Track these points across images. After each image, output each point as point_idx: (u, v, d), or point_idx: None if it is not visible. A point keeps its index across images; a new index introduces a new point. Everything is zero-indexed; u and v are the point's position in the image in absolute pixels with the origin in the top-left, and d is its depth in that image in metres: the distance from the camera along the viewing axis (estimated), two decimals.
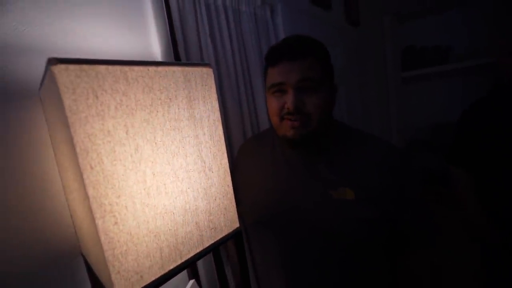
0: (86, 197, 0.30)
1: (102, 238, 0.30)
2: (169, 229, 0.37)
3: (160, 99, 0.37)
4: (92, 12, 0.56)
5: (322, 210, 0.57)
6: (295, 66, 0.55)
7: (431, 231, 0.59)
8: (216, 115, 0.44)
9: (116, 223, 0.32)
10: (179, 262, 0.38)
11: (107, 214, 0.31)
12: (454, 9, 1.92)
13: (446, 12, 1.96)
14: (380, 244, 0.58)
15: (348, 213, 0.55)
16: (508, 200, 0.92)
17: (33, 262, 0.47)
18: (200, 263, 0.75)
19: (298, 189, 0.61)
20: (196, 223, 0.41)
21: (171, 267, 0.37)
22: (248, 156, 0.75)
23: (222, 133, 0.45)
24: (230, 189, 0.47)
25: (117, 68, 0.33)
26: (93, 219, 0.30)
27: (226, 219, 0.46)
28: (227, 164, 0.47)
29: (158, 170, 0.36)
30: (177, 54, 0.70)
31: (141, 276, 0.34)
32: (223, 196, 0.45)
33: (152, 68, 0.36)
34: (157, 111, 0.36)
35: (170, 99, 0.38)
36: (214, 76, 0.51)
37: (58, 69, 0.28)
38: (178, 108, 0.39)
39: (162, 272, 0.36)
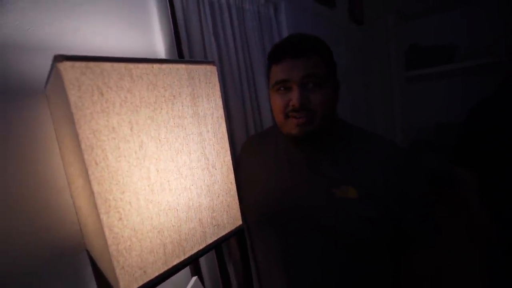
0: (91, 192, 0.30)
1: (107, 233, 0.31)
2: (173, 226, 0.37)
3: (164, 96, 0.37)
4: (97, 10, 0.57)
5: (325, 208, 0.57)
6: (299, 63, 0.55)
7: (434, 232, 0.58)
8: (220, 112, 0.45)
9: (120, 218, 0.32)
10: (182, 258, 0.39)
11: (111, 209, 0.31)
12: (459, 8, 1.91)
13: (450, 11, 1.94)
14: (383, 243, 0.58)
15: (350, 211, 0.55)
16: None
17: (38, 258, 0.48)
18: (202, 260, 0.75)
19: (300, 187, 0.61)
20: (199, 220, 0.41)
21: (175, 263, 0.38)
22: (251, 154, 0.76)
23: (226, 130, 0.46)
24: (233, 187, 0.47)
25: (122, 65, 0.33)
26: (98, 214, 0.30)
27: (229, 216, 0.46)
28: (230, 161, 0.47)
29: (162, 167, 0.36)
30: (181, 52, 0.70)
31: (145, 272, 0.34)
32: (226, 193, 0.45)
33: (156, 66, 0.36)
34: (161, 108, 0.37)
35: (174, 96, 0.38)
36: (218, 74, 0.51)
37: (64, 66, 0.28)
38: (182, 106, 0.39)
39: (166, 268, 0.37)
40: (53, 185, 0.50)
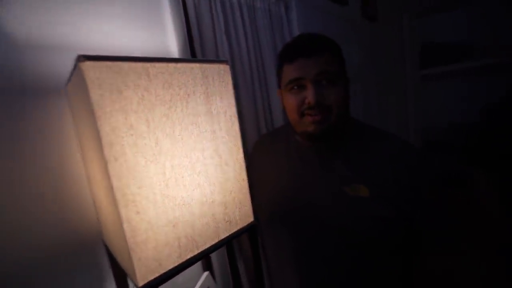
0: (111, 187, 0.31)
1: (125, 226, 0.32)
2: (187, 220, 0.38)
3: (179, 94, 0.38)
4: (114, 11, 0.58)
5: (336, 206, 0.57)
6: (312, 61, 0.56)
7: (446, 233, 0.57)
8: (233, 110, 0.45)
9: (138, 212, 0.33)
10: (195, 252, 0.40)
11: (129, 203, 0.33)
12: (473, 5, 1.84)
13: (465, 7, 1.87)
14: (394, 243, 0.58)
15: (362, 210, 0.55)
16: None
17: (59, 248, 0.50)
18: (213, 256, 0.77)
19: (312, 185, 0.61)
20: (212, 216, 0.42)
21: (188, 257, 0.39)
22: (263, 152, 0.76)
23: (238, 128, 0.46)
24: (245, 184, 0.48)
25: (139, 64, 0.34)
26: (116, 208, 0.32)
27: (241, 213, 0.47)
28: (243, 159, 0.47)
29: (177, 163, 0.37)
30: (193, 51, 0.72)
31: (160, 264, 0.36)
32: (239, 190, 0.46)
33: (172, 65, 0.37)
34: (176, 106, 0.38)
35: (188, 94, 0.39)
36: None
37: (86, 65, 0.30)
38: (196, 104, 0.40)
39: (180, 261, 0.38)
40: (72, 180, 0.52)
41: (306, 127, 0.59)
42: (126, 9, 0.60)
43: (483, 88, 1.86)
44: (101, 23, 0.57)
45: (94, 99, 0.30)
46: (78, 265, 0.53)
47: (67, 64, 0.51)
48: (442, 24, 2.01)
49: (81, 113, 0.39)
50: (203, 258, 0.41)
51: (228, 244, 0.78)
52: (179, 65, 0.38)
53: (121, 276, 0.55)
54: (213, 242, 0.42)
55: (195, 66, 0.40)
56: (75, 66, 0.33)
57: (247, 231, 0.48)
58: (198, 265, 0.72)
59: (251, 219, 0.49)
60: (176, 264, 0.37)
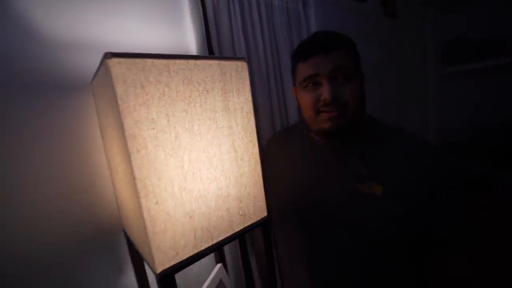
0: (133, 178, 0.33)
1: (145, 215, 0.34)
2: (203, 213, 0.40)
3: (198, 90, 0.39)
4: (136, 10, 0.61)
5: (350, 204, 0.57)
6: (327, 57, 0.56)
7: (462, 235, 0.56)
8: (249, 107, 0.46)
9: (157, 203, 0.35)
10: (210, 243, 0.41)
11: (149, 194, 0.34)
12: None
13: (491, 2, 1.77)
14: (408, 242, 0.57)
15: (375, 208, 0.54)
16: None
17: (81, 236, 0.53)
18: (226, 249, 0.78)
19: (326, 182, 0.61)
20: (227, 209, 0.43)
21: (203, 248, 0.40)
22: (277, 149, 0.77)
23: (254, 124, 0.47)
24: (260, 179, 0.49)
25: (161, 61, 0.35)
26: (138, 198, 0.34)
27: (255, 207, 0.48)
28: (258, 154, 0.48)
29: (195, 157, 0.39)
30: (211, 48, 0.73)
31: (177, 253, 0.37)
32: (253, 185, 0.47)
33: (191, 62, 0.38)
34: (195, 102, 0.39)
35: (207, 91, 0.40)
36: None
37: (112, 62, 0.31)
38: (214, 100, 0.41)
39: (195, 251, 0.39)
40: (96, 170, 0.55)
41: (322, 124, 0.59)
42: (146, 8, 0.63)
43: (509, 87, 1.76)
44: (127, 21, 0.59)
45: (119, 93, 0.32)
46: (99, 251, 0.56)
47: (93, 61, 0.53)
48: (466, 20, 1.92)
49: (106, 108, 0.41)
50: (217, 249, 0.43)
51: (241, 238, 0.79)
52: (199, 62, 0.39)
53: (140, 263, 0.58)
54: (227, 235, 0.43)
55: (214, 63, 0.41)
56: (102, 63, 0.34)
57: (261, 225, 0.49)
58: (211, 257, 0.74)
59: (264, 214, 0.50)
60: (191, 254, 0.39)
